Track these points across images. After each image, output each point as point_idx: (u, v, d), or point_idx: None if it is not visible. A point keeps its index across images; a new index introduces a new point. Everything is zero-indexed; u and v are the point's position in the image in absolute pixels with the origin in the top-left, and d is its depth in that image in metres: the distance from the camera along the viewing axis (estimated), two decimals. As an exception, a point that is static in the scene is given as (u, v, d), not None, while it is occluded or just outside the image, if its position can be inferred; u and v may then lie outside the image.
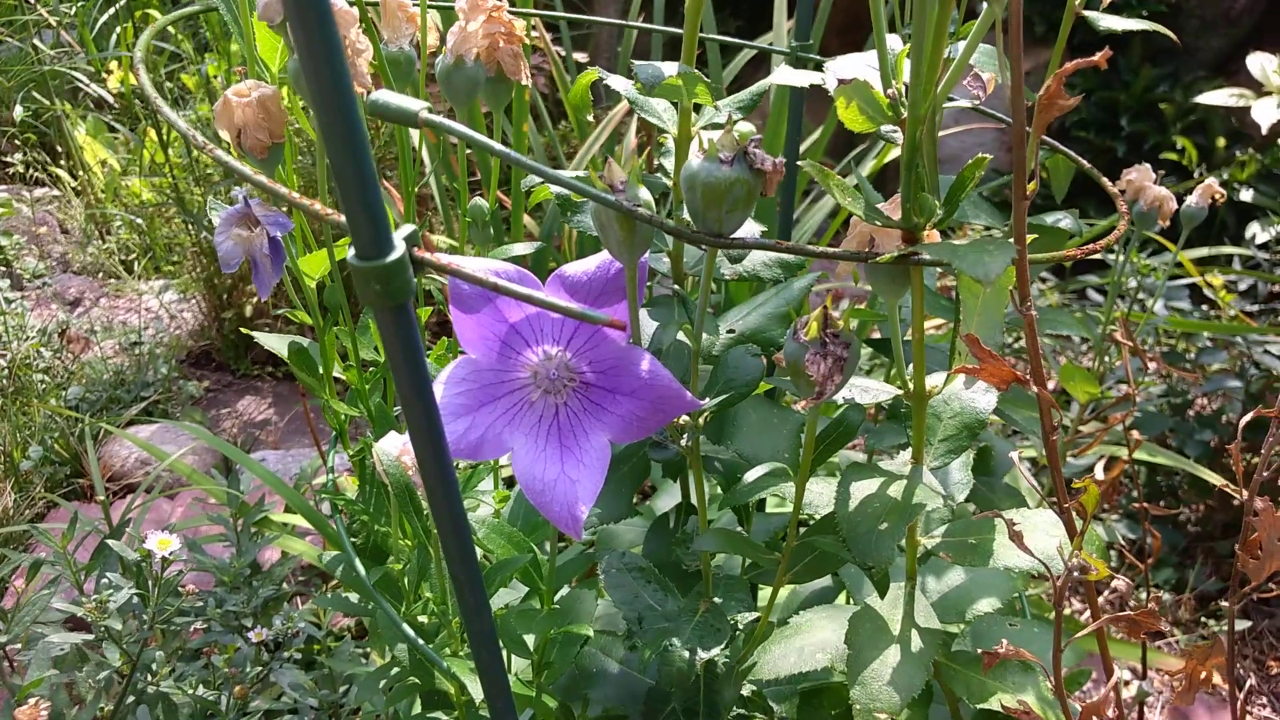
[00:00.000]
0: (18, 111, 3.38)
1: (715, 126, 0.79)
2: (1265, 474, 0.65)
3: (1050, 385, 1.99)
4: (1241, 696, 1.71)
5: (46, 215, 3.52)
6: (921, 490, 0.62)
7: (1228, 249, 2.48)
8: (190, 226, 2.79)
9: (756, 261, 0.86)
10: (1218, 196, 1.18)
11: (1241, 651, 1.91)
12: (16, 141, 3.36)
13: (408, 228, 0.48)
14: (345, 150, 0.44)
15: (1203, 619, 1.96)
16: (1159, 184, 1.14)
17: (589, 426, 0.62)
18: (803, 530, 0.70)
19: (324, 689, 1.34)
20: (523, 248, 0.81)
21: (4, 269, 3.10)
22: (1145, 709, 1.75)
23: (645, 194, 0.55)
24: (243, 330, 1.02)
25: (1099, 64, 0.50)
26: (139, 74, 0.71)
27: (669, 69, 0.66)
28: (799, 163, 0.57)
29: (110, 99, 3.47)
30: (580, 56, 3.02)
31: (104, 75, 3.41)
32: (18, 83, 3.55)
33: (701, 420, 0.65)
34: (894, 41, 0.59)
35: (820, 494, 0.72)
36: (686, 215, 0.57)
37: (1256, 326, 2.06)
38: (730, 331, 0.90)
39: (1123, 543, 1.95)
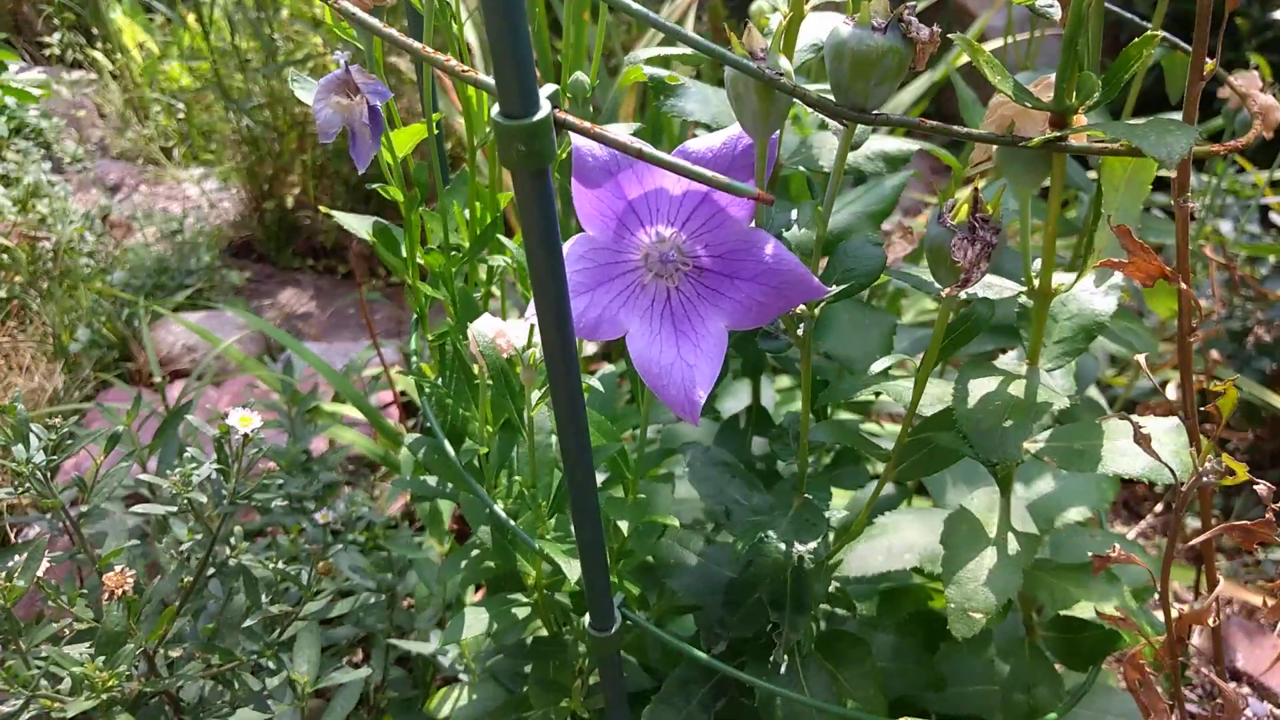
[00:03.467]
0: (54, -12, 3.30)
1: (829, 5, 0.75)
2: None
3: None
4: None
5: (84, 98, 3.48)
6: (1044, 389, 0.61)
7: (1297, 173, 2.40)
8: (230, 113, 2.75)
9: (860, 155, 0.83)
10: (1326, 108, 1.12)
11: (1281, 578, 1.91)
12: (55, 22, 3.30)
13: (550, 86, 0.46)
14: (500, 7, 0.41)
15: (1261, 543, 1.96)
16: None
17: (704, 312, 0.60)
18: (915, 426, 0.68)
19: (381, 573, 1.37)
20: (629, 127, 0.78)
21: (44, 152, 3.08)
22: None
23: (786, 63, 0.52)
24: (323, 210, 1.00)
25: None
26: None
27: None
28: (950, 35, 0.54)
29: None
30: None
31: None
32: (52, -41, 3.46)
33: (817, 311, 0.63)
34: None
35: (927, 394, 0.70)
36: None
37: (1327, 253, 2.00)
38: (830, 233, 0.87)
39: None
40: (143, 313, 1.91)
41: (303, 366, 1.85)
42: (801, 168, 0.76)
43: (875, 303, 1.28)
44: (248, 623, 0.87)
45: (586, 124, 0.46)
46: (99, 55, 3.42)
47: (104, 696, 0.72)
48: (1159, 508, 2.00)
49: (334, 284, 2.76)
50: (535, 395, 0.74)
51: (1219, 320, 2.09)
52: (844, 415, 1.27)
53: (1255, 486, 0.51)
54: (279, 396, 1.66)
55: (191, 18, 3.00)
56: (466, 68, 0.47)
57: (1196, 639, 1.76)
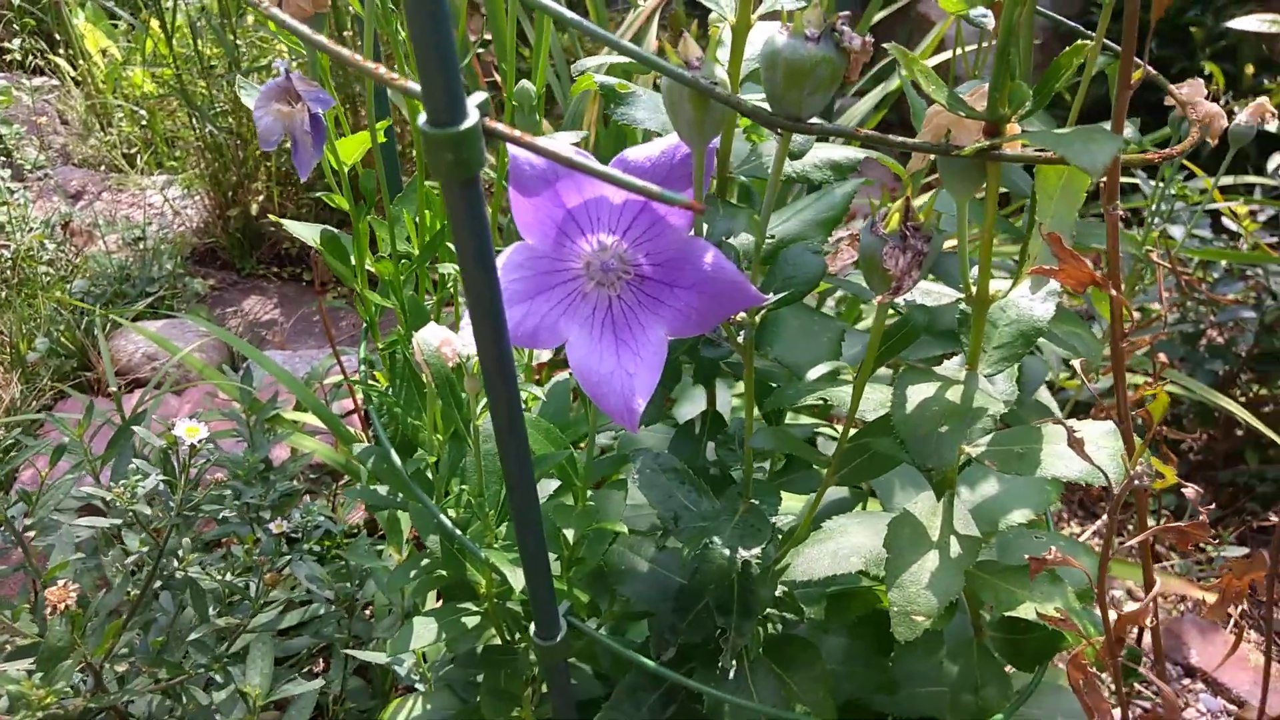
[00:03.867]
0: (13, -7, 3.26)
1: (772, 16, 0.76)
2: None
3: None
4: (1234, 617, 1.73)
5: (46, 105, 3.43)
6: (980, 395, 0.61)
7: (1250, 178, 2.44)
8: (194, 120, 2.73)
9: (808, 163, 0.83)
10: (1268, 115, 1.15)
11: (1236, 578, 1.94)
12: (15, 27, 3.25)
13: (480, 95, 0.46)
14: (423, 10, 0.41)
15: (1199, 544, 1.99)
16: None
17: (645, 320, 0.61)
18: (853, 434, 0.69)
19: (340, 582, 1.36)
20: (572, 136, 0.78)
21: (4, 159, 3.03)
22: (1143, 629, 1.79)
23: (721, 72, 0.52)
24: (271, 217, 0.99)
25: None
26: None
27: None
28: (884, 45, 0.54)
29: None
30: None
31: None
32: (12, -37, 3.42)
33: (758, 319, 0.64)
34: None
35: (868, 399, 0.71)
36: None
37: (1276, 257, 2.04)
38: (770, 237, 0.87)
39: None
40: (99, 321, 1.88)
41: (263, 375, 1.83)
42: (744, 177, 0.76)
43: (841, 309, 1.29)
44: (193, 636, 0.86)
45: (517, 133, 0.46)
46: (61, 61, 3.38)
47: (40, 715, 0.71)
48: (1105, 532, 2.03)
49: (299, 291, 2.74)
50: (481, 404, 0.74)
51: (1167, 326, 2.12)
52: (804, 419, 1.28)
53: (1184, 490, 0.52)
54: (238, 405, 1.64)
55: (155, 23, 2.97)
56: (394, 75, 0.47)
57: (1148, 638, 1.79)
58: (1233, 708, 1.70)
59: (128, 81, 3.16)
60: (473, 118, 0.44)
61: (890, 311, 0.73)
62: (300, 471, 1.91)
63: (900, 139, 0.54)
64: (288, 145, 0.71)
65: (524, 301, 0.58)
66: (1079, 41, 0.50)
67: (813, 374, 0.69)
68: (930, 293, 0.63)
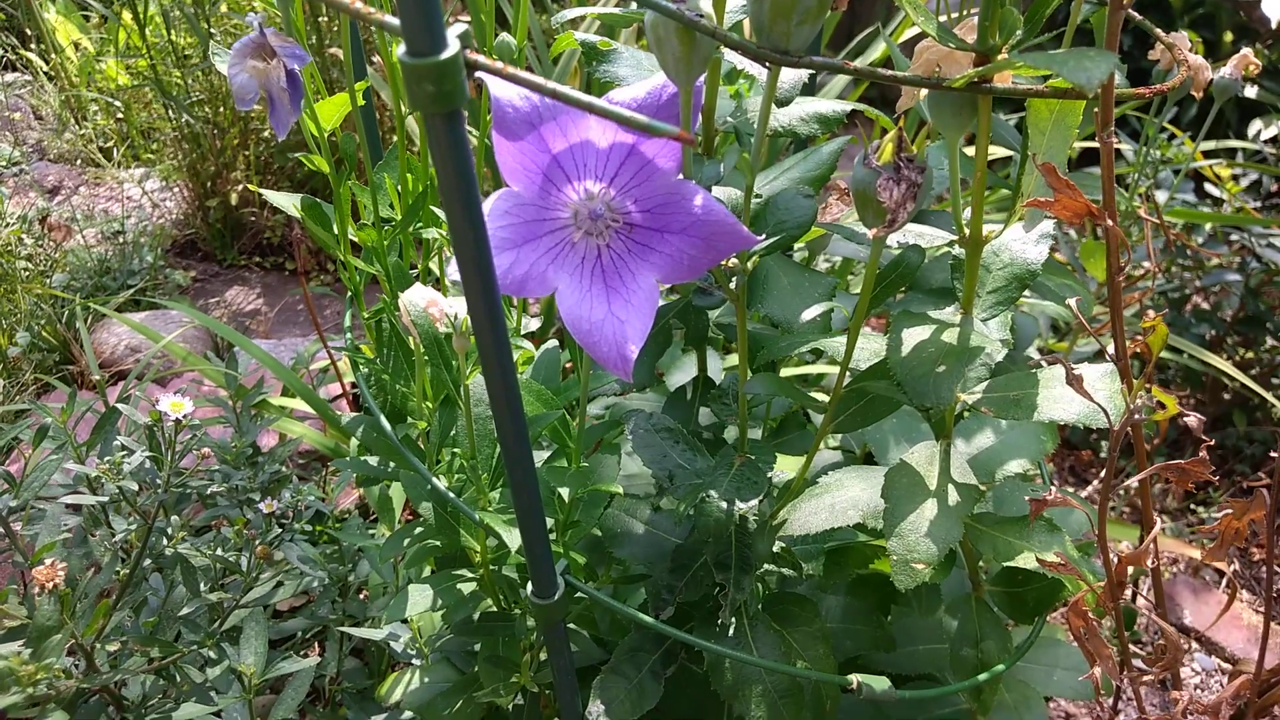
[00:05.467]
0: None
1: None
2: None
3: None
4: (1227, 577, 1.74)
5: (19, 100, 3.39)
6: (977, 336, 0.61)
7: (1232, 143, 2.45)
8: (170, 110, 2.69)
9: (794, 116, 0.82)
10: (1252, 68, 1.14)
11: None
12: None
13: (461, 25, 0.44)
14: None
15: (1191, 506, 2.00)
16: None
17: (635, 267, 0.60)
18: (850, 379, 0.68)
19: (332, 563, 1.34)
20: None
21: (-23, 154, 2.99)
22: (1139, 586, 1.79)
23: (707, 5, 0.51)
24: (251, 187, 0.98)
25: None
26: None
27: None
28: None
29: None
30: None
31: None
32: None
33: (750, 265, 0.63)
34: None
35: (863, 349, 0.70)
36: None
37: (1263, 219, 2.05)
38: (758, 196, 0.87)
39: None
40: (80, 312, 1.86)
41: (249, 362, 1.81)
42: (730, 128, 0.75)
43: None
44: (184, 612, 0.85)
45: (499, 64, 0.45)
46: (33, 56, 3.33)
47: (30, 690, 0.70)
48: (1104, 472, 2.04)
49: (282, 280, 2.71)
50: (470, 365, 0.73)
51: (1154, 289, 2.13)
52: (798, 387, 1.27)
53: (1185, 419, 0.52)
54: (224, 393, 1.62)
55: (127, 15, 2.93)
56: (371, 9, 0.45)
57: (1144, 597, 1.79)
58: (1227, 665, 1.71)
59: (102, 74, 3.11)
60: (453, 47, 0.43)
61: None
62: (289, 457, 1.90)
63: (890, 73, 0.53)
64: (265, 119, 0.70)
65: (512, 249, 0.57)
66: (1070, -37, 0.49)
67: (809, 330, 0.68)
68: (924, 235, 0.62)
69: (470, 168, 0.47)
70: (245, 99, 0.67)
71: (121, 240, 2.63)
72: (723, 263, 0.63)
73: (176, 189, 2.84)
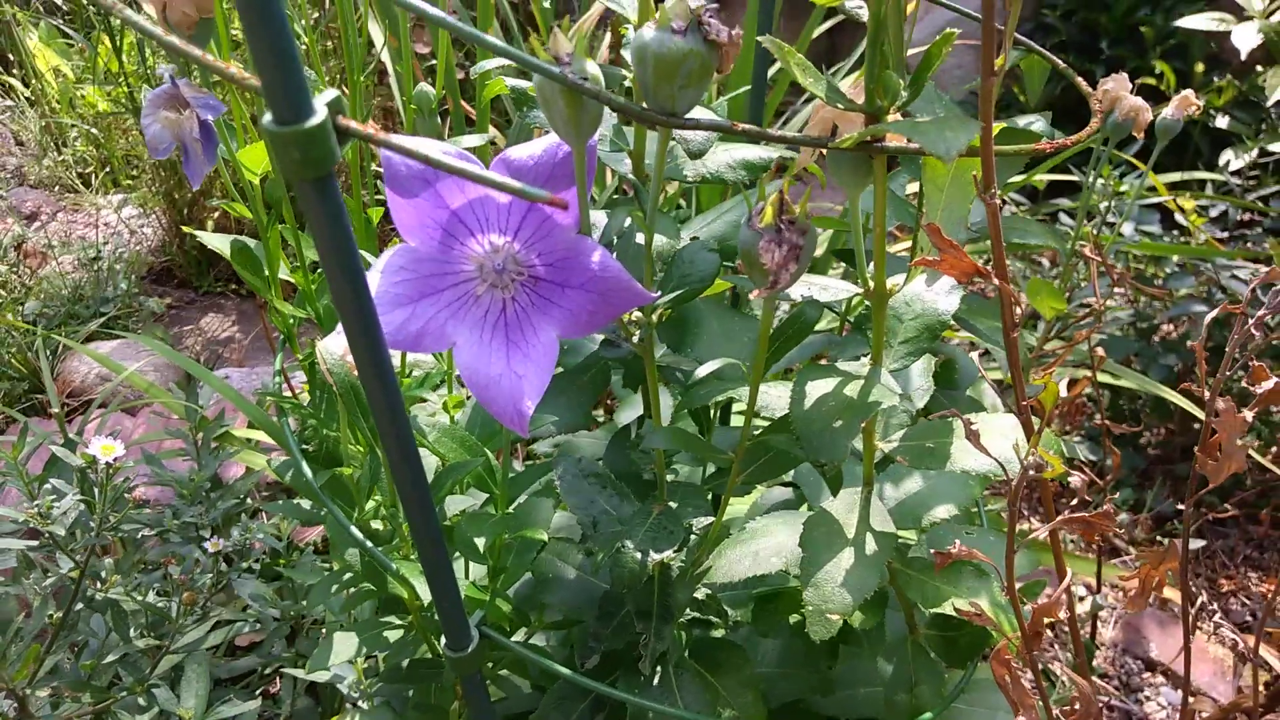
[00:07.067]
0: (-37, 15, 3.23)
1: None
2: (1227, 373, 0.64)
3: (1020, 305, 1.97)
4: (1194, 610, 1.74)
5: (0, 126, 3.40)
6: (878, 389, 0.61)
7: (1200, 174, 2.47)
8: (147, 138, 2.70)
9: (720, 163, 0.83)
10: (1194, 109, 1.15)
11: (1195, 570, 1.95)
12: (-36, 47, 3.22)
13: (330, 92, 0.45)
14: (254, 5, 0.40)
15: (1159, 538, 2.00)
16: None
17: (536, 321, 0.60)
18: (757, 431, 0.68)
19: (287, 600, 1.34)
20: (475, 139, 0.77)
21: (-45, 181, 2.99)
22: (1099, 622, 1.79)
23: (593, 68, 0.52)
24: (185, 229, 0.98)
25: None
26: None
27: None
28: (759, 38, 0.54)
29: (61, 2, 3.33)
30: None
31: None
32: (-38, -15, 3.38)
33: (656, 318, 0.63)
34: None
35: (779, 397, 0.70)
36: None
37: (1226, 251, 2.06)
38: (694, 238, 0.87)
39: (1083, 462, 1.97)
40: (41, 344, 1.86)
41: (212, 393, 1.81)
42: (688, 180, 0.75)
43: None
44: (110, 658, 0.84)
45: (370, 130, 0.45)
46: (15, 82, 3.34)
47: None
48: (1074, 502, 2.04)
49: (256, 308, 2.71)
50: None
51: (1120, 322, 2.13)
52: (760, 420, 1.27)
53: (1069, 478, 0.52)
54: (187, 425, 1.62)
55: (107, 41, 2.94)
56: (247, 75, 0.46)
57: (1111, 630, 1.79)
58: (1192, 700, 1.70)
59: (82, 100, 3.12)
60: (320, 114, 0.43)
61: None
62: (254, 489, 1.89)
63: (779, 133, 0.54)
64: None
65: (407, 305, 0.57)
66: (948, 30, 0.49)
67: (738, 375, 0.69)
68: (827, 287, 0.62)
69: (347, 230, 0.47)
70: (159, 149, 0.68)
71: (97, 267, 2.63)
72: (627, 315, 0.63)
73: (153, 216, 2.85)
